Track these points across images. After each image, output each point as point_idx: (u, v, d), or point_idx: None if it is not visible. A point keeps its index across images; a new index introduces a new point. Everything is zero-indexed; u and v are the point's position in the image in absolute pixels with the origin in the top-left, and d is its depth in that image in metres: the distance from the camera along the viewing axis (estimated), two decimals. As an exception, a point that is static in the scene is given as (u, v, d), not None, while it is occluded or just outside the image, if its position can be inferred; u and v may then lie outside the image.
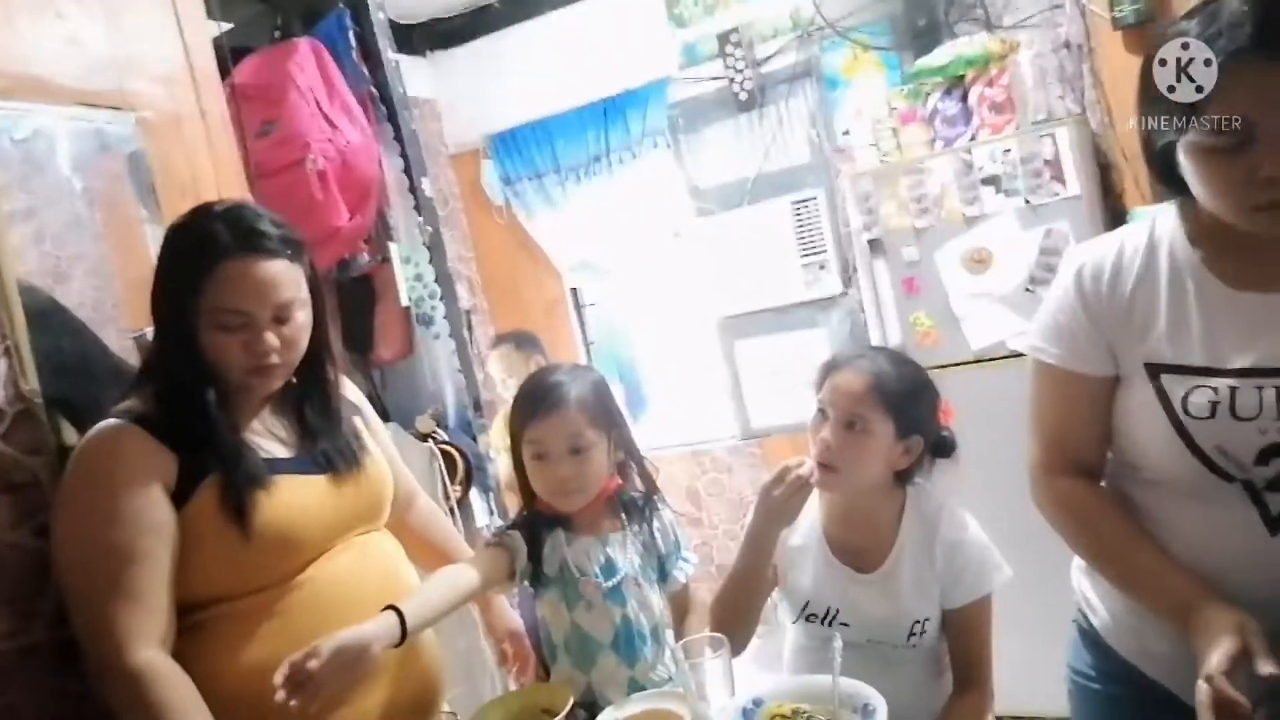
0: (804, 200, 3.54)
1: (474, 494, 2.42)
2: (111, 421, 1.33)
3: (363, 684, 1.35)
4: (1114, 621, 1.32)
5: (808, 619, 1.66)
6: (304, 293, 1.39)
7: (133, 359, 1.66)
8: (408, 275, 2.43)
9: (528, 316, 4.29)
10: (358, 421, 1.55)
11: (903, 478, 1.63)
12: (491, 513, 2.47)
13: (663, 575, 1.63)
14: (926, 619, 1.58)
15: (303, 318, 1.39)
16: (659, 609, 1.60)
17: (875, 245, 2.90)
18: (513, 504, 2.82)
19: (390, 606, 1.32)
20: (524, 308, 4.29)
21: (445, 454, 2.37)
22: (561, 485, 1.52)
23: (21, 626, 1.41)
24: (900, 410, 1.56)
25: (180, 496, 1.30)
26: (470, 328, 3.49)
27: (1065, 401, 1.29)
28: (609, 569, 1.55)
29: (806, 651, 1.69)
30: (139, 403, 1.35)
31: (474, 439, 2.47)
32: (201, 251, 1.32)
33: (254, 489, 1.32)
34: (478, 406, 2.52)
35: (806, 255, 3.55)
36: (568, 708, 1.43)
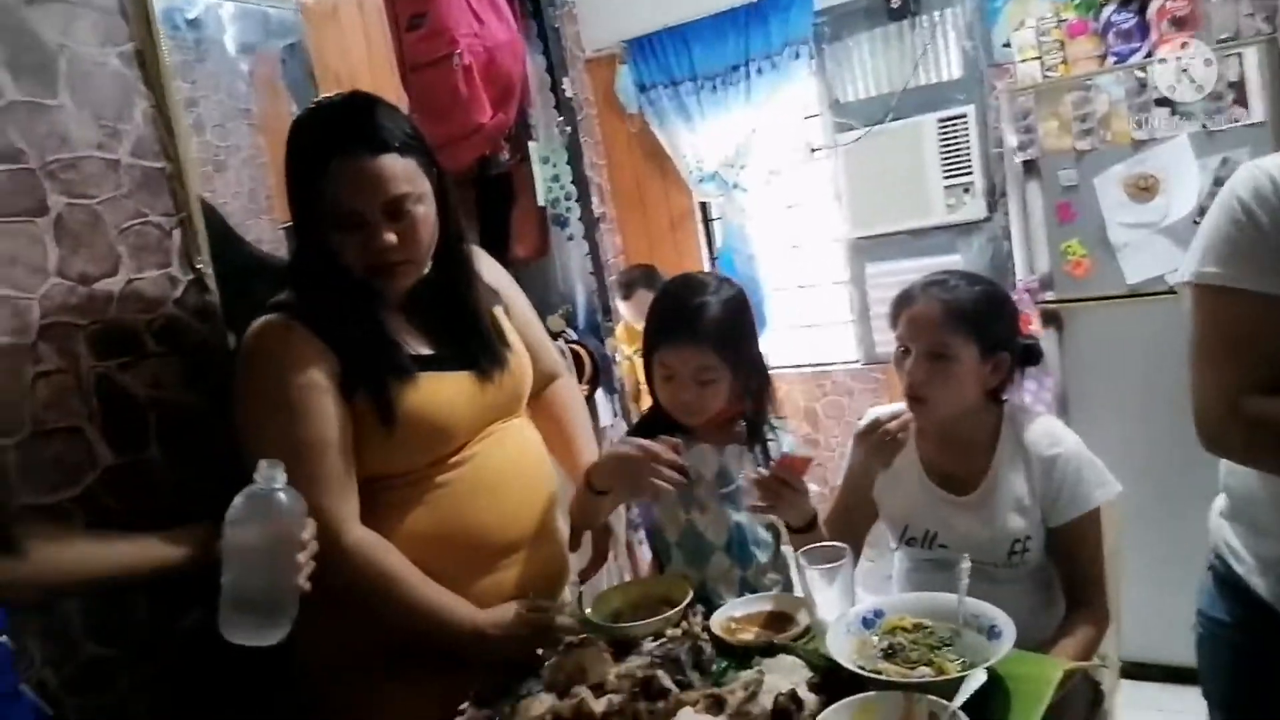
0: (952, 118, 3.36)
1: (600, 395, 2.47)
2: (274, 316, 1.34)
3: (501, 557, 1.43)
4: (1260, 565, 1.25)
5: (907, 543, 1.67)
6: (421, 186, 1.34)
7: (282, 251, 1.74)
8: (545, 175, 2.44)
9: (654, 227, 4.28)
10: (498, 311, 1.54)
11: (995, 394, 1.61)
12: (616, 414, 2.52)
13: None
14: (1027, 538, 1.56)
15: (421, 212, 1.34)
16: (773, 519, 1.61)
17: (1029, 167, 2.74)
18: (635, 409, 2.87)
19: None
20: (650, 219, 4.27)
21: (574, 353, 2.41)
22: (684, 407, 1.57)
23: (188, 478, 1.53)
24: (982, 330, 1.54)
25: (348, 389, 1.33)
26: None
27: (1243, 324, 1.17)
28: (724, 477, 1.59)
29: (913, 574, 1.69)
30: (292, 298, 1.37)
31: (601, 341, 2.50)
32: (313, 150, 1.30)
33: (401, 390, 1.34)
34: (607, 309, 2.55)
35: (950, 176, 3.39)
36: (687, 599, 1.47)
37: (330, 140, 1.29)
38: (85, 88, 1.44)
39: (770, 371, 1.66)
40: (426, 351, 1.42)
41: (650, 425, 1.61)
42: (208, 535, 1.18)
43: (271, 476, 1.14)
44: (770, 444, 1.62)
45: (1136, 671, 2.46)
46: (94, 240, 1.43)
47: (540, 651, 1.35)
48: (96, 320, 1.43)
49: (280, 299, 1.37)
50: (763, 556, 1.60)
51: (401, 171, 1.30)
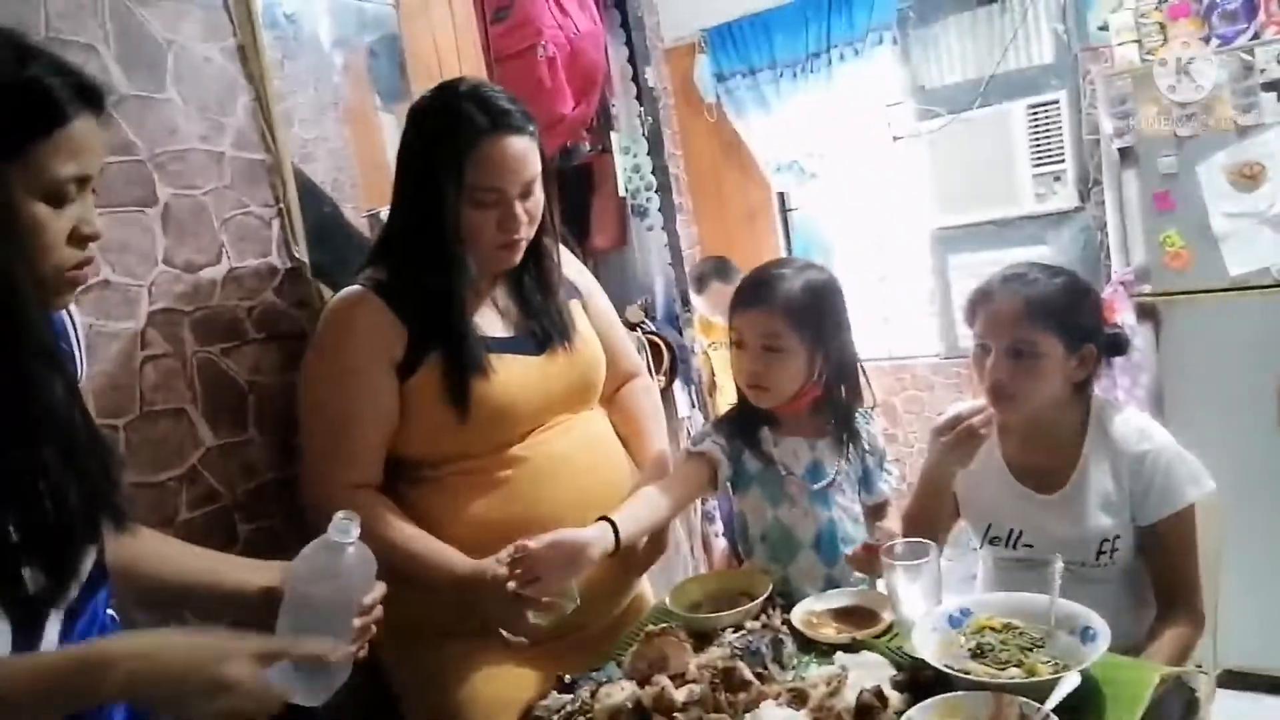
0: (1043, 104, 3.26)
1: (677, 386, 2.47)
2: (355, 288, 1.41)
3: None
4: None
5: (991, 542, 1.64)
6: (540, 167, 1.43)
7: (366, 236, 1.77)
8: (626, 166, 2.45)
9: (730, 219, 4.25)
10: (575, 305, 1.58)
11: (1081, 387, 1.56)
12: (693, 405, 2.52)
13: (865, 484, 1.62)
14: (1116, 537, 1.52)
15: (540, 192, 1.43)
16: (859, 515, 1.60)
17: (1126, 154, 2.63)
18: (711, 403, 2.87)
19: (604, 518, 1.38)
20: (727, 211, 4.25)
21: (652, 344, 2.42)
22: (750, 378, 1.54)
23: (282, 459, 1.59)
24: (1066, 323, 1.49)
25: (407, 368, 1.39)
26: (676, 226, 3.53)
27: None
28: (816, 472, 1.56)
29: (998, 574, 1.65)
30: (378, 272, 1.43)
31: (680, 332, 2.50)
32: (458, 131, 1.36)
33: (474, 374, 1.39)
34: (685, 300, 2.54)
35: (1040, 165, 3.29)
36: (767, 592, 1.46)
37: (479, 121, 1.36)
38: (191, 82, 1.50)
39: (860, 363, 1.61)
40: (500, 334, 1.46)
41: (738, 418, 1.60)
42: (282, 577, 1.13)
43: (345, 529, 1.07)
44: (863, 436, 1.60)
45: (1234, 680, 2.36)
46: (199, 230, 1.49)
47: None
48: (200, 307, 1.49)
49: (366, 274, 1.43)
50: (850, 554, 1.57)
51: (534, 155, 1.41)
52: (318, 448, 1.42)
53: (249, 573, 1.18)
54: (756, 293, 1.52)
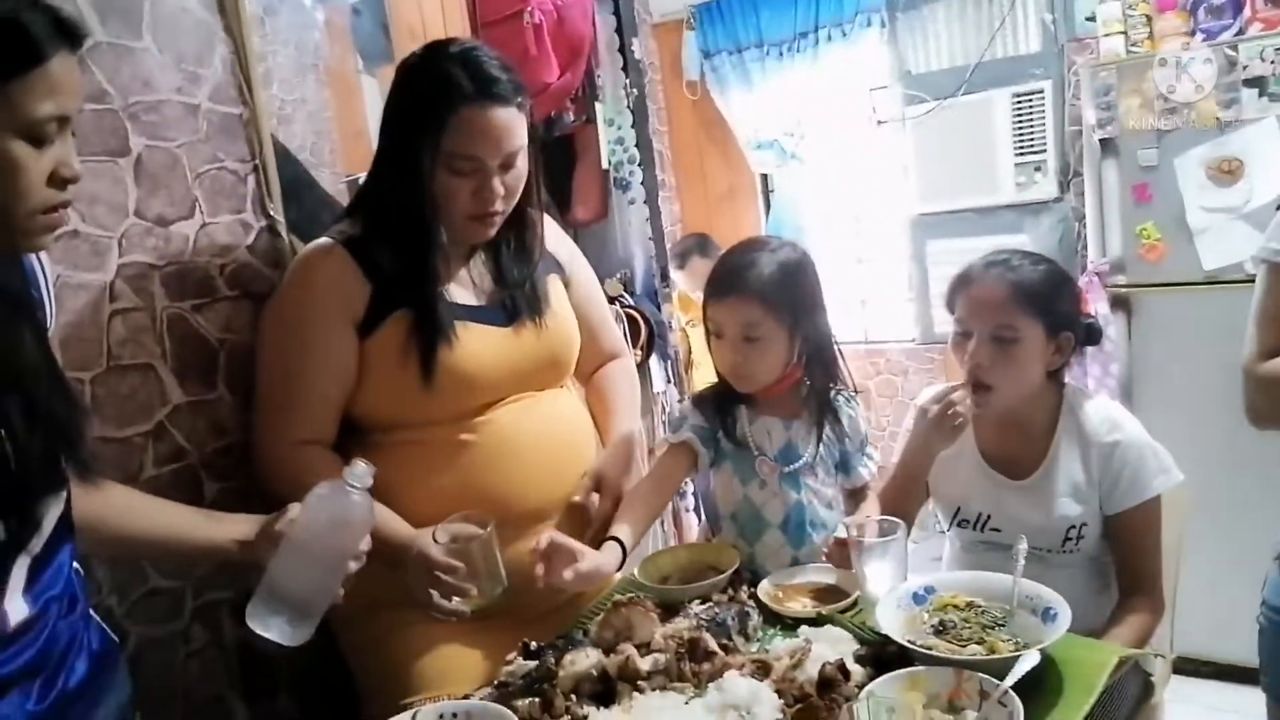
0: (1028, 93, 3.26)
1: (653, 361, 2.47)
2: (324, 240, 1.40)
3: (522, 525, 1.42)
4: None
5: (959, 524, 1.65)
6: (526, 140, 1.39)
7: (343, 201, 1.73)
8: (610, 138, 2.43)
9: (711, 197, 4.24)
10: (553, 280, 1.55)
11: (1055, 375, 1.57)
12: (669, 380, 2.52)
13: (843, 468, 1.63)
14: (1084, 524, 1.54)
15: (523, 166, 1.40)
16: (833, 499, 1.60)
17: (1107, 145, 2.65)
18: (687, 378, 2.87)
19: (613, 538, 1.41)
20: (708, 188, 4.24)
21: (629, 318, 2.41)
22: (732, 369, 1.53)
23: (250, 420, 1.57)
24: (1047, 309, 1.50)
25: (367, 326, 1.38)
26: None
27: None
28: (788, 453, 1.56)
29: (964, 556, 1.67)
30: (351, 227, 1.40)
31: (658, 307, 2.50)
32: (440, 94, 1.33)
33: (440, 340, 1.37)
34: (665, 275, 2.54)
35: (1022, 154, 3.30)
36: (734, 566, 1.47)
37: (465, 86, 1.32)
38: (169, 32, 1.46)
39: (837, 344, 1.61)
40: (468, 301, 1.44)
41: (716, 396, 1.59)
42: (254, 531, 1.17)
43: (364, 477, 1.11)
44: (842, 418, 1.60)
45: (1188, 667, 2.42)
46: (172, 183, 1.46)
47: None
48: (172, 262, 1.47)
49: (336, 227, 1.41)
50: (818, 538, 1.57)
51: (519, 127, 1.36)
52: (267, 399, 1.41)
53: (219, 525, 1.19)
54: (731, 281, 1.49)
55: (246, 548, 1.17)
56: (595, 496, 1.51)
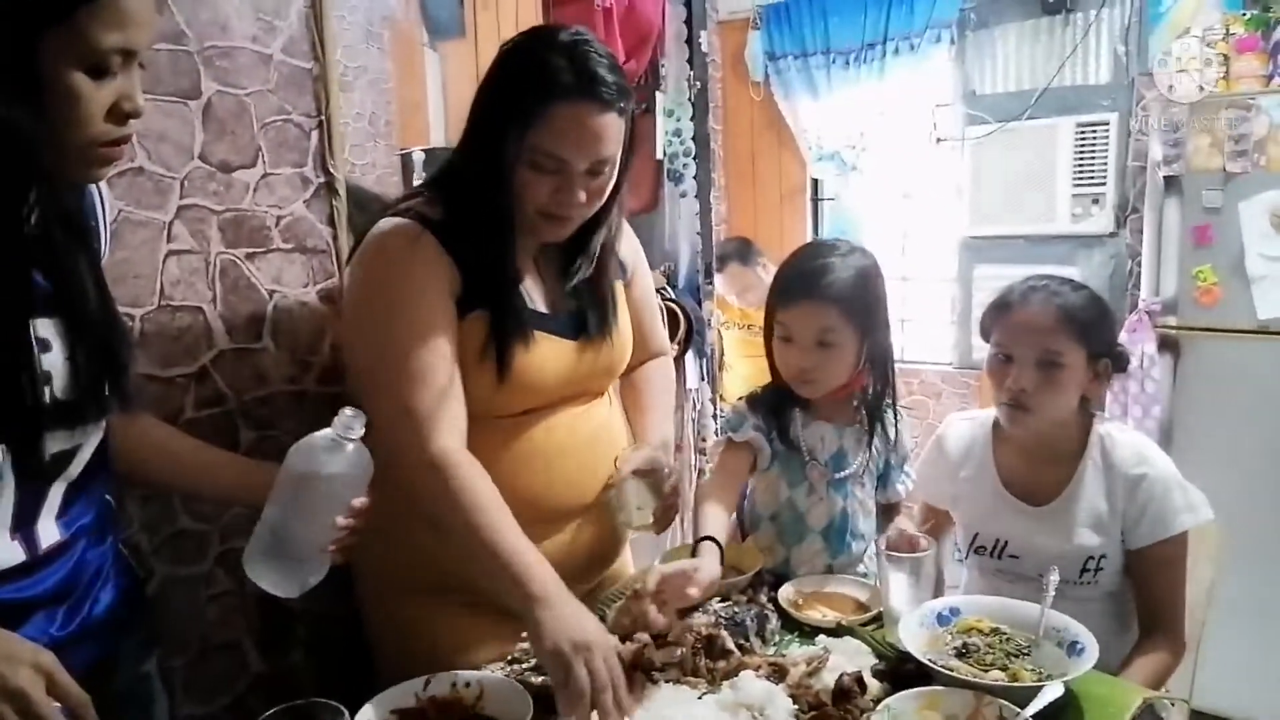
0: (1093, 124, 3.21)
1: (689, 357, 2.46)
2: (406, 221, 1.27)
3: (548, 525, 1.37)
4: None
5: (976, 551, 1.63)
6: (620, 148, 1.28)
7: (395, 177, 1.74)
8: (668, 129, 2.43)
9: (761, 202, 4.22)
10: (618, 285, 1.47)
11: (1084, 404, 1.55)
12: (703, 378, 2.51)
13: (882, 481, 1.62)
14: (1103, 556, 1.51)
15: (609, 174, 1.29)
16: (873, 510, 1.60)
17: (1171, 183, 2.60)
18: (721, 379, 2.86)
19: (707, 538, 1.38)
20: (760, 192, 4.21)
21: (669, 311, 2.40)
22: (801, 374, 1.50)
23: (296, 374, 1.58)
24: (1090, 336, 1.49)
25: (459, 312, 1.28)
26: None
27: None
28: (839, 460, 1.55)
29: (980, 583, 1.65)
30: (429, 209, 1.29)
31: (699, 303, 2.49)
32: (537, 83, 1.22)
33: (516, 342, 1.29)
34: (709, 272, 2.53)
35: (1080, 185, 3.25)
36: (756, 568, 1.46)
37: (565, 80, 1.20)
38: (248, -20, 1.47)
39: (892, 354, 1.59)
40: (542, 309, 1.36)
41: (771, 398, 1.57)
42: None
43: (350, 425, 1.05)
44: (892, 433, 1.59)
45: (1201, 720, 2.37)
46: (238, 130, 1.47)
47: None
48: (230, 209, 1.48)
49: (409, 205, 1.31)
50: (856, 549, 1.57)
51: (616, 134, 1.25)
52: (401, 392, 1.21)
53: (252, 471, 1.19)
54: (807, 286, 1.47)
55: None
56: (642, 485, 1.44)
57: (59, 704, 0.81)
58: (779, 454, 1.56)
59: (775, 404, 1.56)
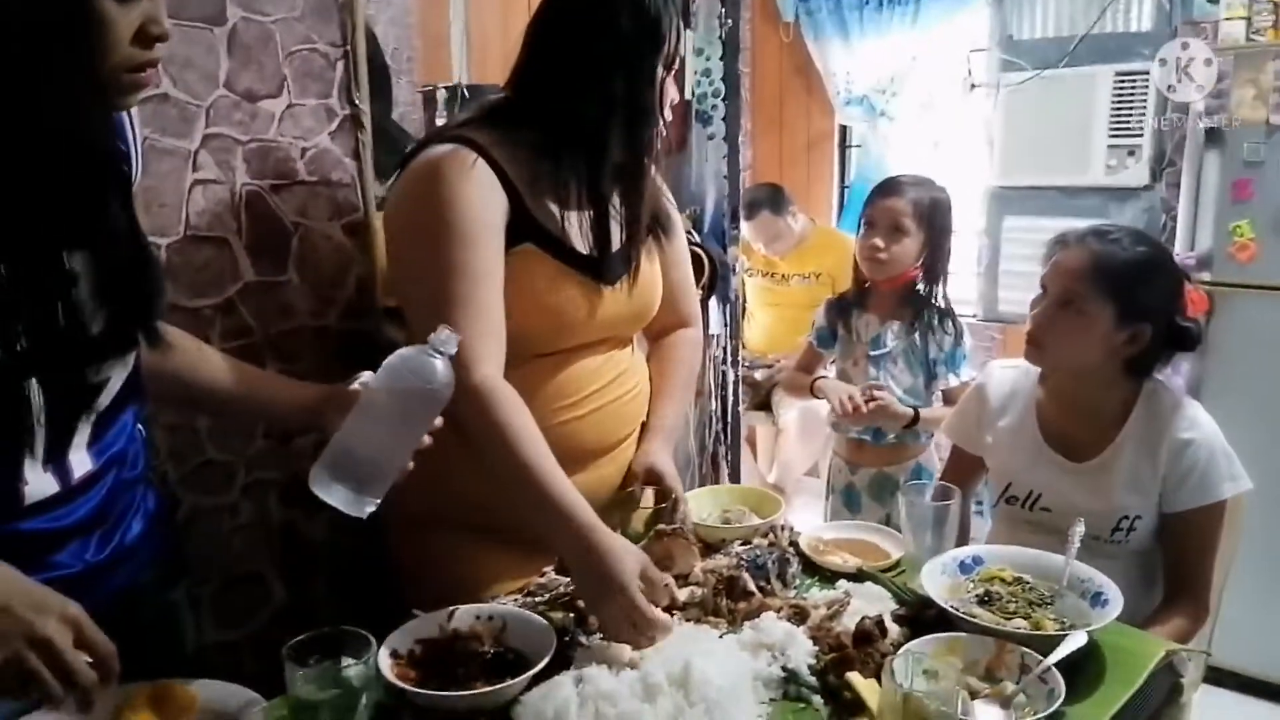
0: (1132, 73, 3.12)
1: (713, 302, 2.43)
2: (457, 146, 1.25)
3: (580, 468, 1.36)
4: None
5: (1007, 501, 1.63)
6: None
7: (417, 114, 1.72)
8: (697, 68, 2.37)
9: (788, 148, 4.15)
10: (649, 241, 1.45)
11: (1136, 369, 1.53)
12: (725, 323, 2.48)
13: (929, 371, 2.12)
14: (1137, 517, 1.51)
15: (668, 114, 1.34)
16: (911, 388, 2.13)
17: (1212, 136, 2.53)
18: (743, 325, 2.83)
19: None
20: (786, 138, 4.14)
21: (694, 256, 2.37)
22: (870, 250, 2.08)
23: (319, 309, 1.58)
24: (1123, 293, 1.46)
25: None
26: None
27: None
28: (876, 341, 2.16)
29: (1006, 532, 1.64)
30: (484, 137, 1.27)
31: (724, 249, 2.45)
32: (655, 29, 1.26)
33: (560, 280, 1.30)
34: (735, 217, 2.49)
35: (1117, 136, 3.17)
36: (778, 512, 1.46)
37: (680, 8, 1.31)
38: (275, -98, 1.44)
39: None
40: (579, 248, 1.34)
41: (840, 300, 2.26)
42: (321, 397, 1.14)
43: (445, 341, 1.04)
44: (938, 328, 2.12)
45: (1214, 677, 2.38)
46: (264, 58, 1.45)
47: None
48: (255, 139, 1.46)
49: (459, 133, 1.28)
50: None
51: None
52: (444, 315, 1.17)
53: (286, 388, 1.19)
54: (893, 185, 2.13)
55: (312, 413, 1.14)
56: (650, 491, 1.45)
57: (86, 655, 0.81)
58: (841, 339, 2.22)
59: (841, 304, 2.24)
